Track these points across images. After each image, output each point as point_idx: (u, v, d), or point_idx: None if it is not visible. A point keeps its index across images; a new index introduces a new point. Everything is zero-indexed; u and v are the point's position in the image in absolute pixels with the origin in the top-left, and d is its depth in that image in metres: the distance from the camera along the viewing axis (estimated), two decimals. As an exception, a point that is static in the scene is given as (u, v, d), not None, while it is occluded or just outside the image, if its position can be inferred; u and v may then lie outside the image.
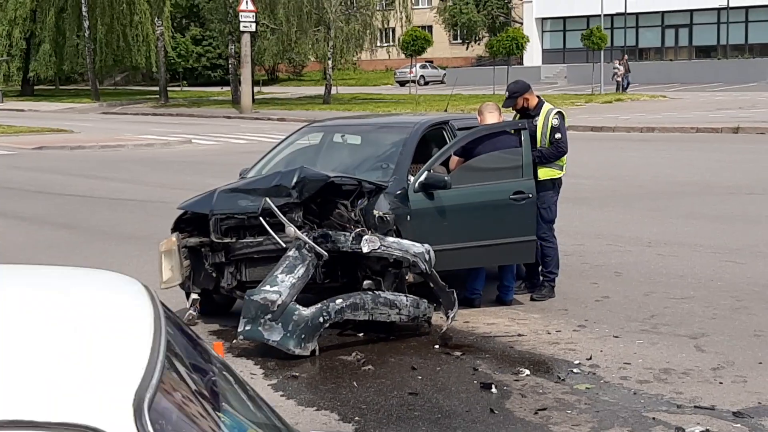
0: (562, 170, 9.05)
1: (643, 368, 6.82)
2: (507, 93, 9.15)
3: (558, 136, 8.90)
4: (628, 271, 10.03)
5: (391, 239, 7.67)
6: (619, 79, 49.65)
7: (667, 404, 6.06)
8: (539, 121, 8.92)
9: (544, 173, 8.88)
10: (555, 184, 9.04)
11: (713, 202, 14.77)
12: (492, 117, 8.88)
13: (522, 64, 62.72)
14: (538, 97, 9.18)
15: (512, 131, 8.83)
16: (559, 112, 9.05)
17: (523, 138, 8.63)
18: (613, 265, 10.31)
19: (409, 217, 8.18)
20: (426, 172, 8.31)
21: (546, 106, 9.07)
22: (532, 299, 8.94)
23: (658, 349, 7.27)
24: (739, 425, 5.66)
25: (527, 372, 6.78)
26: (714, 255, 10.75)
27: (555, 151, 8.92)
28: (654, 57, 62.51)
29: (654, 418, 5.80)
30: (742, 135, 26.92)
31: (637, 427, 5.67)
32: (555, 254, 9.01)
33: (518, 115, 9.21)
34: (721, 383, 6.46)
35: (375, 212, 7.91)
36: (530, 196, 8.52)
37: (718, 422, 5.71)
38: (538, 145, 8.86)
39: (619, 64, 50.09)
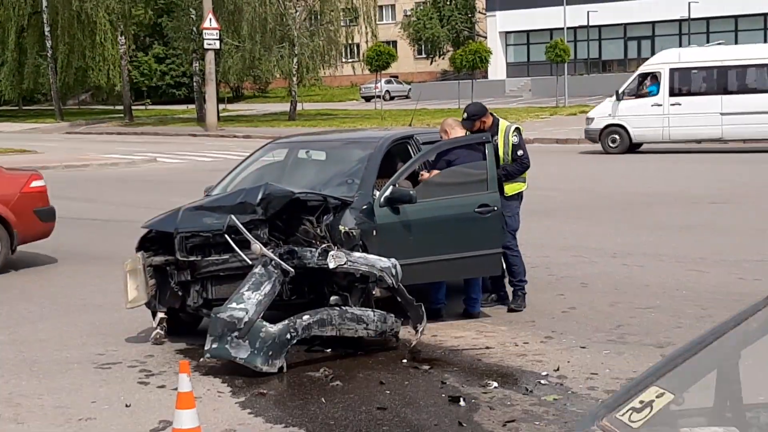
0: (524, 183, 9.23)
1: (610, 378, 6.85)
2: (466, 114, 9.15)
3: (520, 153, 9.07)
4: (594, 282, 10.09)
5: (357, 254, 7.67)
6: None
7: (634, 413, 6.08)
8: (499, 140, 9.04)
9: (511, 188, 9.03)
10: (520, 195, 9.18)
11: (677, 213, 14.91)
12: (455, 132, 8.94)
13: (486, 77, 62.98)
14: (492, 114, 9.27)
15: (476, 144, 8.89)
16: (517, 129, 9.19)
17: (487, 151, 8.67)
18: (579, 277, 10.36)
19: (375, 231, 8.18)
20: (391, 187, 8.31)
21: (503, 124, 9.17)
22: (510, 310, 9.01)
23: (624, 359, 7.31)
24: (705, 433, 5.69)
25: (495, 384, 6.79)
26: (678, 264, 10.84)
27: (520, 167, 9.08)
28: (617, 69, 62.94)
29: (621, 428, 5.81)
30: (705, 145, 27.14)
31: (604, 436, 5.68)
32: (521, 262, 9.11)
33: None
34: (687, 391, 6.49)
35: (341, 228, 7.90)
36: (495, 209, 8.55)
37: (684, 430, 5.74)
38: (501, 162, 8.98)
39: None
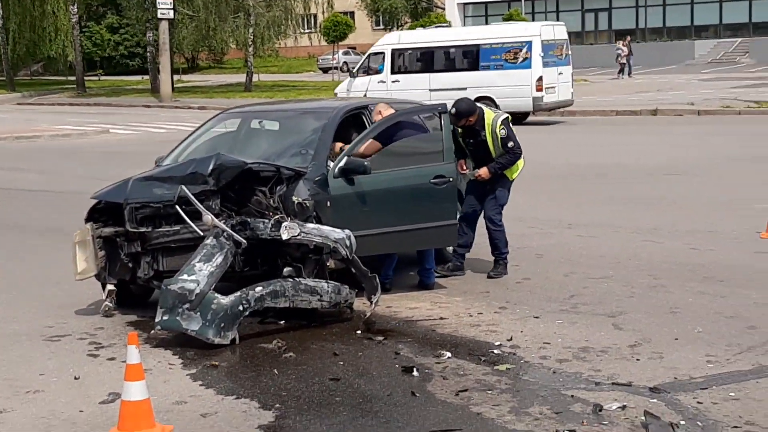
0: (522, 160, 9.27)
1: (563, 347, 6.87)
2: (455, 110, 8.89)
3: (510, 144, 9.03)
4: (548, 253, 10.13)
5: (311, 225, 7.61)
6: (623, 60, 47.06)
7: (585, 382, 6.12)
8: (487, 134, 8.97)
9: (515, 169, 9.20)
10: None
11: (633, 184, 15.00)
12: (388, 113, 8.83)
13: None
14: (478, 109, 9.10)
15: (433, 115, 8.87)
16: (503, 120, 9.05)
17: (443, 122, 8.62)
18: (534, 248, 10.39)
19: (329, 203, 8.11)
20: (346, 158, 8.25)
21: (488, 117, 9.03)
22: (489, 277, 9.11)
23: (577, 329, 7.34)
24: (655, 400, 5.73)
25: (449, 354, 6.78)
26: (633, 235, 10.91)
27: (512, 158, 9.09)
28: (575, 41, 62.92)
29: (573, 396, 5.84)
30: (660, 117, 27.38)
31: (556, 405, 5.70)
32: (503, 237, 9.21)
33: (461, 132, 9.11)
34: (638, 360, 6.54)
35: (294, 199, 7.82)
36: (451, 179, 8.51)
37: (635, 398, 5.78)
38: (493, 154, 8.99)
39: (623, 45, 47.79)
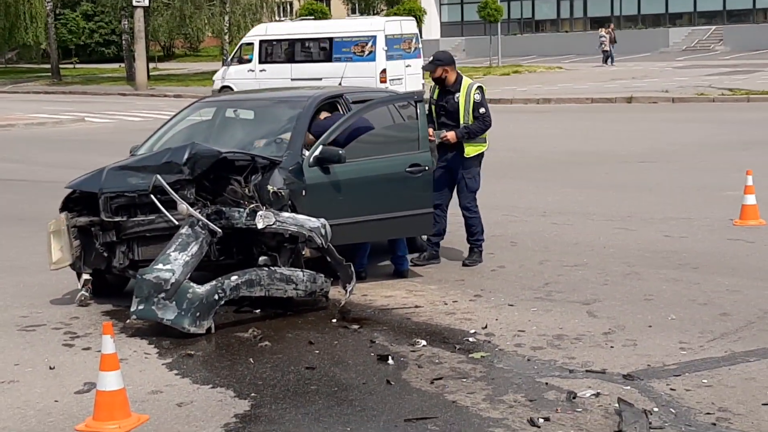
0: (485, 143, 9.23)
1: (537, 335, 6.92)
2: (432, 57, 9.18)
3: (482, 110, 9.05)
4: (523, 241, 10.17)
5: (286, 214, 7.61)
6: (606, 48, 47.01)
7: (559, 369, 6.16)
8: (461, 97, 9.01)
9: (472, 150, 9.09)
10: (480, 156, 9.22)
11: (607, 171, 15.07)
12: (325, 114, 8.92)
13: (421, 37, 62.78)
14: (458, 73, 9.20)
15: (408, 103, 8.88)
16: (479, 87, 9.14)
17: (419, 110, 8.62)
18: (509, 236, 10.43)
19: (304, 191, 8.11)
20: (321, 147, 8.24)
21: (465, 82, 9.14)
22: (464, 264, 9.13)
23: (551, 316, 7.39)
24: (629, 387, 5.78)
25: (424, 342, 6.81)
26: (607, 223, 10.97)
27: (482, 125, 9.07)
28: (550, 29, 63.24)
29: (547, 384, 5.88)
30: (635, 105, 27.49)
31: (530, 392, 5.74)
32: (479, 223, 9.23)
33: (436, 87, 9.23)
34: (612, 347, 6.59)
35: (269, 188, 7.82)
36: (426, 168, 8.51)
37: (608, 385, 5.83)
38: (461, 121, 8.96)
39: (605, 32, 47.62)
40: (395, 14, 50.67)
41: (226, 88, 30.64)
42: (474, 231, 9.23)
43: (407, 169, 8.45)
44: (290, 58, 30.30)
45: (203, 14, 46.71)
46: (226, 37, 47.96)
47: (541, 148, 18.49)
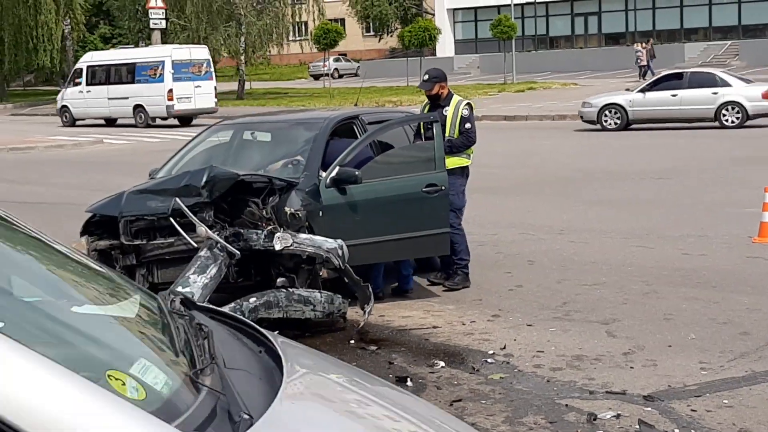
0: (469, 159, 9.26)
1: (556, 356, 6.90)
2: (427, 75, 9.30)
3: (468, 126, 9.10)
4: (540, 260, 10.15)
5: (303, 236, 7.64)
6: (643, 63, 46.01)
7: (579, 391, 6.14)
8: (449, 111, 9.10)
9: (453, 162, 9.03)
10: (464, 172, 9.20)
11: (624, 188, 15.04)
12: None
13: (435, 55, 62.95)
14: (449, 89, 9.35)
15: (424, 125, 8.93)
16: (468, 104, 9.28)
17: (435, 131, 8.65)
18: (526, 254, 10.42)
19: (321, 212, 8.14)
20: (337, 168, 8.27)
21: (456, 98, 9.29)
22: (444, 288, 9.04)
23: (570, 336, 7.37)
24: (649, 408, 5.76)
25: (442, 364, 6.81)
26: (624, 240, 10.94)
27: (465, 141, 9.12)
28: (564, 45, 63.30)
29: (567, 405, 5.87)
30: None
31: (550, 414, 5.73)
32: (463, 240, 9.10)
33: (427, 103, 9.36)
34: (632, 368, 6.57)
35: (287, 209, 7.85)
36: (443, 188, 8.53)
37: (629, 407, 5.81)
38: (447, 134, 9.01)
39: (642, 47, 46.84)
40: (410, 32, 50.92)
41: (64, 107, 37.81)
42: (457, 249, 9.00)
43: (424, 189, 8.47)
44: (107, 81, 36.55)
45: (219, 35, 47.01)
46: (242, 57, 48.23)
47: (557, 165, 18.47)
